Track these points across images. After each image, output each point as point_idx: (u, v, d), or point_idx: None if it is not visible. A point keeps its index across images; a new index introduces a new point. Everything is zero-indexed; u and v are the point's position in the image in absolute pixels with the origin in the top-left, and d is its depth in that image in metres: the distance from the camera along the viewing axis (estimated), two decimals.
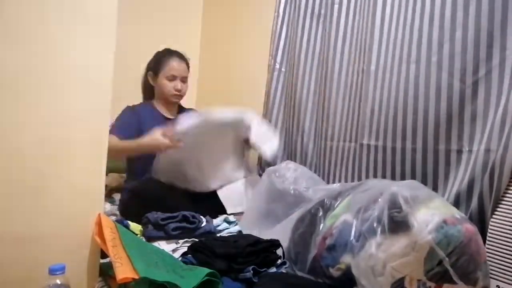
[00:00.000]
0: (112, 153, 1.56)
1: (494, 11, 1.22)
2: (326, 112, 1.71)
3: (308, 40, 1.82)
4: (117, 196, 1.86)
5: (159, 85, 1.86)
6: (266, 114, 1.96)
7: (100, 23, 1.07)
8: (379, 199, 1.06)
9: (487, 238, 1.11)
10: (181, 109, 1.98)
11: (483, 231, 1.17)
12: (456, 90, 1.30)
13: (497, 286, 1.06)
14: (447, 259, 0.94)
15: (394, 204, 1.02)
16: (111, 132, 1.64)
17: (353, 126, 1.60)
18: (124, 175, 1.96)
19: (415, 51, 1.39)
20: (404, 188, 1.06)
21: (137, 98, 1.96)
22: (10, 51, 0.95)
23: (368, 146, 1.53)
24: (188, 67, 1.92)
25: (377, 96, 1.49)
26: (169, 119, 1.87)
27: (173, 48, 1.93)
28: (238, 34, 2.37)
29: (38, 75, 0.99)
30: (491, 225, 1.11)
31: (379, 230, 1.01)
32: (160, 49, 1.93)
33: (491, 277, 1.08)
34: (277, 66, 1.94)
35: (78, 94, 1.05)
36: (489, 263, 1.09)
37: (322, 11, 1.78)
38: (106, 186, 1.76)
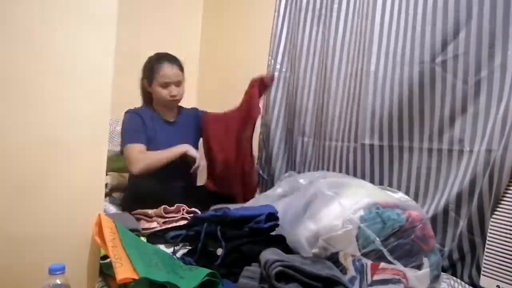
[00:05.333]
0: (151, 166, 1.72)
1: (496, 12, 1.23)
2: (326, 112, 1.71)
3: (309, 40, 1.82)
4: (117, 195, 1.86)
5: (154, 92, 1.87)
6: (266, 115, 1.96)
7: (100, 23, 1.06)
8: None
9: (487, 238, 1.11)
10: (181, 110, 2.00)
11: (483, 231, 1.17)
12: (458, 91, 1.31)
13: (497, 286, 1.06)
14: (377, 239, 0.98)
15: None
16: (126, 140, 1.78)
17: (352, 125, 1.60)
18: (124, 174, 1.96)
19: (418, 52, 1.39)
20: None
21: (137, 97, 1.96)
22: (10, 52, 0.95)
23: (371, 146, 1.53)
24: (182, 69, 1.89)
25: (378, 96, 1.49)
26: (170, 122, 1.93)
27: (173, 48, 1.92)
28: (238, 34, 2.37)
29: (37, 75, 0.99)
30: (491, 225, 1.11)
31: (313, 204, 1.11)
32: (152, 54, 1.91)
33: (491, 277, 1.09)
34: (278, 66, 1.93)
35: (78, 94, 1.05)
36: (489, 263, 1.09)
37: (323, 11, 1.77)
38: (106, 185, 1.79)
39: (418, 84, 1.39)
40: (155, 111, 1.91)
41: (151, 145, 1.79)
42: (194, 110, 2.07)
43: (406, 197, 1.22)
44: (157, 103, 1.91)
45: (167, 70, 1.83)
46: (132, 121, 1.83)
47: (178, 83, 1.86)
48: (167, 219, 1.37)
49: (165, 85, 1.83)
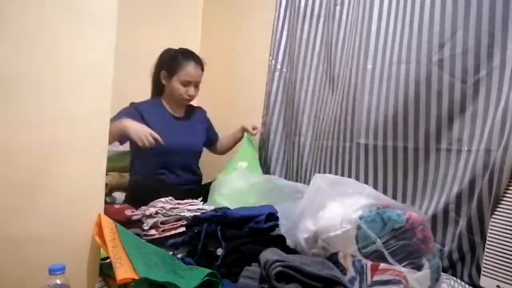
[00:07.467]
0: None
1: (495, 11, 1.23)
2: (324, 111, 1.71)
3: (308, 40, 1.82)
4: (117, 195, 1.86)
5: (171, 86, 1.85)
6: (267, 115, 1.96)
7: (100, 23, 1.07)
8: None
9: (487, 238, 1.11)
10: (189, 108, 2.00)
11: (482, 231, 1.17)
12: (457, 90, 1.31)
13: (497, 286, 1.06)
14: (378, 240, 0.98)
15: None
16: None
17: (348, 125, 1.59)
18: (124, 174, 1.97)
19: (415, 51, 1.39)
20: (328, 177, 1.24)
21: (137, 97, 1.96)
22: (11, 52, 0.95)
23: (366, 145, 1.52)
24: (203, 70, 1.90)
25: (375, 96, 1.49)
26: (179, 117, 1.93)
27: (173, 47, 1.92)
28: (238, 34, 2.37)
29: (38, 75, 0.99)
30: (491, 225, 1.11)
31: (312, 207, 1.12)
32: (176, 47, 1.89)
33: (491, 277, 1.09)
34: (278, 66, 1.93)
35: (78, 94, 1.05)
36: (489, 263, 1.09)
37: (322, 11, 1.78)
38: (106, 184, 1.78)
39: (415, 83, 1.39)
40: (162, 105, 1.90)
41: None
42: (200, 109, 2.09)
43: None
44: (169, 98, 1.90)
45: (192, 70, 1.83)
46: (123, 110, 1.77)
47: (197, 84, 1.88)
48: (166, 227, 1.36)
49: (186, 84, 1.83)
